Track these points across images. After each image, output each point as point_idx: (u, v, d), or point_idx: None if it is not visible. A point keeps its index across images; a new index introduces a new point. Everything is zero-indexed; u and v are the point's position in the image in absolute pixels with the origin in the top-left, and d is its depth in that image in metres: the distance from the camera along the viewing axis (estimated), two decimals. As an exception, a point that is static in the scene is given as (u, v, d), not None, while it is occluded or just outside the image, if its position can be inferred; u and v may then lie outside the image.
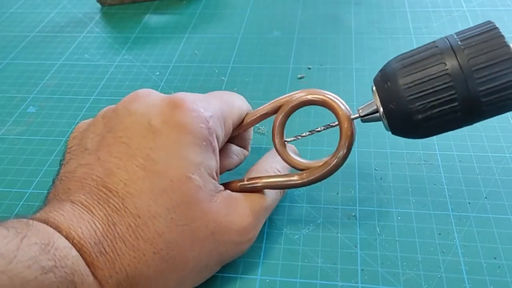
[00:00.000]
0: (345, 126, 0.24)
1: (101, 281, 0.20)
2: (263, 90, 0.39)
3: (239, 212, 0.24)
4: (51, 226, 0.20)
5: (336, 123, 0.25)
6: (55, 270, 0.18)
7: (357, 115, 0.24)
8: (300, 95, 0.26)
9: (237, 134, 0.29)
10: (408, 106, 0.21)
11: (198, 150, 0.23)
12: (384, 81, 0.22)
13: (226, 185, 0.26)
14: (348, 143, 0.24)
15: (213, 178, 0.24)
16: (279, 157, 0.29)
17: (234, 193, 0.25)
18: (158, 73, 0.43)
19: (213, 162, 0.24)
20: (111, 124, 0.24)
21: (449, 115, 0.21)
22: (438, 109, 0.21)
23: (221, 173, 0.27)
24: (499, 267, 0.25)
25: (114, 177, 0.22)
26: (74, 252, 0.19)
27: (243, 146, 0.30)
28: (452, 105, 0.21)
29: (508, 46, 0.20)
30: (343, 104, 0.25)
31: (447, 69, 0.20)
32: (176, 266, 0.22)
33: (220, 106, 0.26)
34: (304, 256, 0.27)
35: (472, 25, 0.22)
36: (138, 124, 0.23)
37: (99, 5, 0.54)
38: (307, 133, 0.26)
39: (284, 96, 0.26)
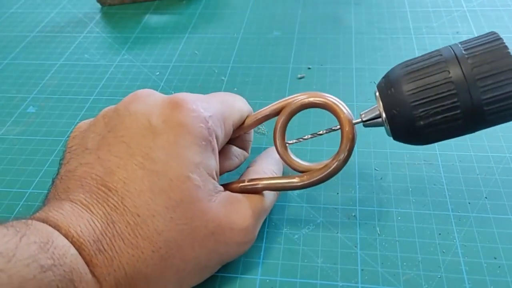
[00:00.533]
0: (347, 129, 0.24)
1: (99, 278, 0.20)
2: (263, 90, 0.39)
3: (240, 213, 0.24)
4: (50, 225, 0.20)
5: (338, 126, 0.25)
6: (54, 269, 0.18)
7: (360, 119, 0.25)
8: (302, 97, 0.26)
9: (237, 136, 0.29)
10: (411, 112, 0.22)
11: (197, 149, 0.23)
12: (388, 87, 0.23)
13: (226, 186, 0.26)
14: (349, 146, 0.24)
15: (213, 178, 0.24)
16: (275, 158, 0.29)
17: (234, 194, 0.25)
18: (158, 73, 0.43)
19: (213, 162, 0.24)
20: (112, 123, 0.24)
21: (452, 122, 0.21)
22: (440, 116, 0.21)
23: (221, 174, 0.27)
24: (499, 267, 0.25)
25: (114, 176, 0.22)
26: (72, 250, 0.19)
27: (244, 148, 0.30)
28: (455, 112, 0.21)
29: (511, 56, 0.20)
30: (345, 108, 0.25)
31: (450, 77, 0.21)
32: (175, 265, 0.22)
33: (220, 107, 0.26)
34: (304, 256, 0.27)
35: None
36: (138, 124, 0.23)
37: (99, 5, 0.54)
38: (309, 136, 0.27)
39: (285, 98, 0.27)
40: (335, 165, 0.25)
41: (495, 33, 0.21)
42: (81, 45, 0.48)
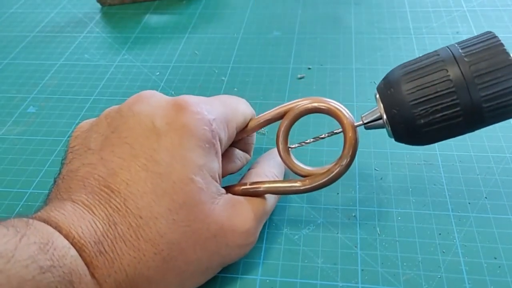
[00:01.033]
0: (350, 135, 0.25)
1: (99, 280, 0.20)
2: (263, 90, 0.39)
3: (242, 216, 0.24)
4: (51, 225, 0.20)
5: (340, 130, 0.25)
6: (53, 270, 0.18)
7: (361, 122, 0.25)
8: (305, 102, 0.26)
9: (240, 139, 0.29)
10: (411, 110, 0.22)
11: (201, 152, 0.23)
12: (387, 88, 0.23)
13: (228, 189, 0.26)
14: (352, 152, 0.25)
15: (216, 180, 0.24)
16: (277, 161, 0.29)
17: (236, 197, 0.25)
18: (158, 73, 0.43)
19: (216, 164, 0.24)
20: (115, 124, 0.24)
21: (451, 120, 0.21)
22: (440, 114, 0.21)
23: (223, 176, 0.27)
24: (499, 267, 0.25)
25: (117, 177, 0.22)
26: (72, 251, 0.19)
27: (246, 151, 0.30)
28: (454, 110, 0.21)
29: (507, 53, 0.21)
30: (347, 113, 0.25)
31: (449, 75, 0.21)
32: (177, 268, 0.22)
33: (223, 109, 0.26)
34: (304, 256, 0.27)
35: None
36: (142, 125, 0.23)
37: (99, 5, 0.54)
38: (312, 140, 0.27)
39: (289, 102, 0.27)
40: (337, 170, 0.25)
41: (491, 32, 0.22)
42: (81, 45, 0.48)
